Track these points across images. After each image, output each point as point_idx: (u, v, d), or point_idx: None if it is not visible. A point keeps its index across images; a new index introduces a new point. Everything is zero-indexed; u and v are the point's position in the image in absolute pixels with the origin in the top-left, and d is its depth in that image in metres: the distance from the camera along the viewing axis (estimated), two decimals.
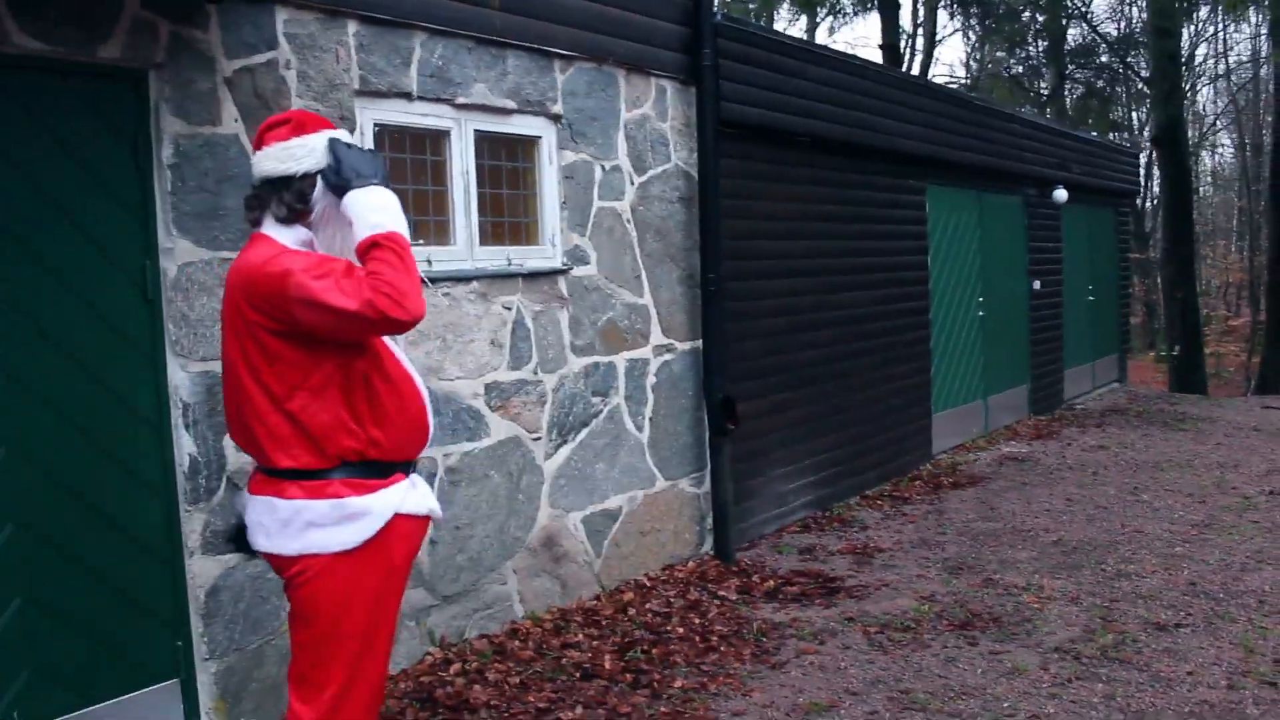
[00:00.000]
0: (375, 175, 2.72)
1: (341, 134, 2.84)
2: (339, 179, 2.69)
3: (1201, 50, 29.40)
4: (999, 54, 26.89)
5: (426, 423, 2.88)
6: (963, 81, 29.45)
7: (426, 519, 2.89)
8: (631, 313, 5.92)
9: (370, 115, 4.64)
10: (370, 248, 2.61)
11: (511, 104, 5.21)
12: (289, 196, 2.74)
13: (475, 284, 5.06)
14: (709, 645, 5.06)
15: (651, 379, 6.06)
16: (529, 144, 5.41)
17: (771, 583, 6.01)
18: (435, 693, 4.53)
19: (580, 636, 5.16)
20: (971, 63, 29.32)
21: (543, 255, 5.43)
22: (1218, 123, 33.36)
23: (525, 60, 5.28)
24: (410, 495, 2.81)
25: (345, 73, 4.49)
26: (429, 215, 5.01)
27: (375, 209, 2.67)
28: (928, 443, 9.11)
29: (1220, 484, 8.40)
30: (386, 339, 2.83)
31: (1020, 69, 26.40)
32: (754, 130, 6.69)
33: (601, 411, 5.74)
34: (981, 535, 6.96)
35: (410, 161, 4.93)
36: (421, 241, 4.93)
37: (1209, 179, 39.08)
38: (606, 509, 5.80)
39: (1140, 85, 24.05)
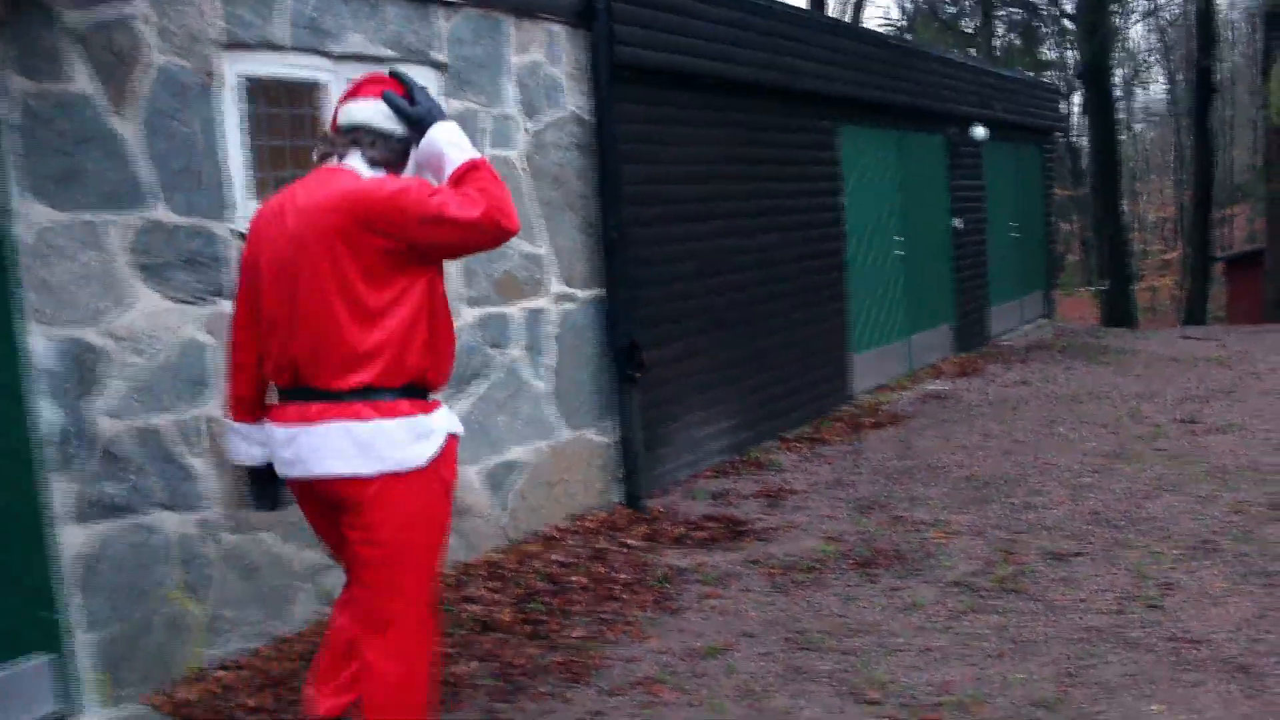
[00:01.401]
0: (444, 112, 3.02)
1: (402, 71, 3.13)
2: (423, 113, 2.97)
3: None
4: None
5: (454, 355, 3.15)
6: (898, 24, 29.38)
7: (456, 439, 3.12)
8: (529, 262, 5.84)
9: (238, 68, 4.50)
10: (469, 170, 2.88)
11: (392, 53, 5.08)
12: (384, 149, 2.98)
13: None
14: (610, 594, 5.05)
15: (553, 329, 6.00)
16: None
17: (681, 529, 6.02)
18: None
19: (482, 590, 5.13)
20: (906, 5, 29.24)
21: None
22: (1150, 59, 33.62)
23: (405, 8, 5.15)
24: (451, 416, 3.06)
25: (209, 26, 4.35)
26: (309, 170, 4.89)
27: (461, 138, 2.96)
28: (848, 383, 9.14)
29: (1134, 414, 8.51)
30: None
31: (953, 10, 26.36)
32: (655, 73, 6.60)
33: (500, 363, 5.68)
34: (895, 473, 7.01)
35: (288, 115, 4.80)
36: None
37: (1144, 115, 39.45)
38: (509, 461, 5.76)
39: (1068, 23, 24.14)
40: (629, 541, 5.81)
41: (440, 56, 5.32)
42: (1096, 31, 17.11)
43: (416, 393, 2.93)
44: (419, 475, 2.91)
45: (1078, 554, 5.26)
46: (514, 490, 5.78)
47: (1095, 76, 17.08)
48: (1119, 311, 17.46)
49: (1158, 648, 4.13)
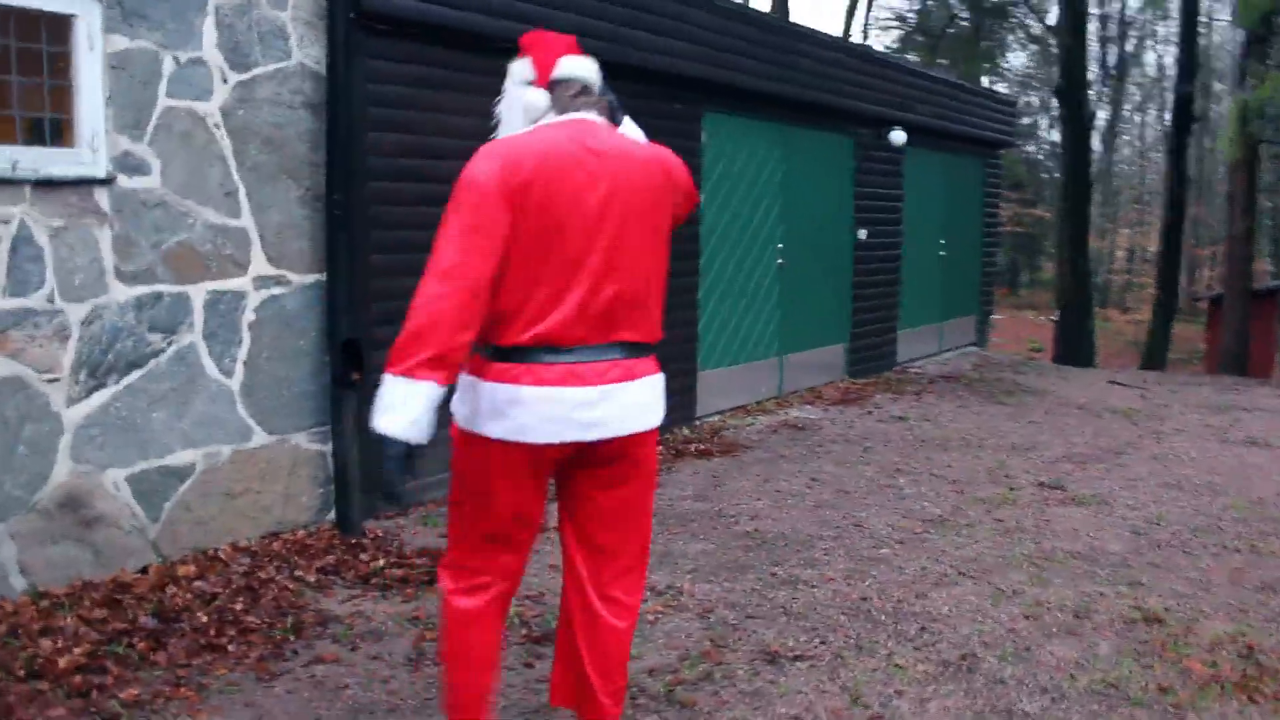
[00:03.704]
0: None
1: None
2: (617, 102, 3.05)
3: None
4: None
5: None
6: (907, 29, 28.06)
7: None
8: (219, 236, 4.95)
9: None
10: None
11: None
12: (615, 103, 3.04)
13: None
14: (215, 642, 4.19)
15: (249, 316, 5.12)
16: (59, 23, 4.39)
17: (380, 562, 5.15)
18: None
19: (73, 620, 4.27)
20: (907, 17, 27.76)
21: (74, 160, 4.44)
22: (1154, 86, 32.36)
23: None
24: None
25: None
26: None
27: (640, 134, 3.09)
28: (690, 403, 8.23)
29: (997, 469, 7.60)
30: None
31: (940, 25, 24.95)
32: (423, 28, 5.67)
33: (165, 351, 4.81)
34: (673, 519, 6.11)
35: None
36: None
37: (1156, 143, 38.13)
38: (169, 466, 4.89)
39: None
40: (302, 574, 4.95)
41: None
42: (1074, 45, 15.95)
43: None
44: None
45: (800, 657, 4.35)
46: (174, 500, 4.92)
47: (1071, 94, 15.93)
48: (1075, 345, 16.34)
49: None
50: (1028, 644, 4.54)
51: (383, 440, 2.65)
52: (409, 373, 2.60)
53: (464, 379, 2.85)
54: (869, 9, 26.68)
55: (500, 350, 2.76)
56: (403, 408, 2.61)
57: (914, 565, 5.49)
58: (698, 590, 5.01)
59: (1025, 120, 34.99)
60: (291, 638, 4.29)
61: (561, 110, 2.91)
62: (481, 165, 2.72)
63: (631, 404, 2.85)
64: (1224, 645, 4.54)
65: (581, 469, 2.97)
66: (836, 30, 24.40)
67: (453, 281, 2.62)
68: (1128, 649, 4.52)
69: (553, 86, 2.94)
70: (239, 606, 4.53)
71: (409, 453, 2.66)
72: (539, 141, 2.78)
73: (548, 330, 2.73)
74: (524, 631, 4.46)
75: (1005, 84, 31.87)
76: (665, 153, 2.97)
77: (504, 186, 2.67)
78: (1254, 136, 14.16)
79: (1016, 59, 30.26)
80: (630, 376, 2.84)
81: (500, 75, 6.17)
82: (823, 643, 4.49)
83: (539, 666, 4.14)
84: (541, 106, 2.92)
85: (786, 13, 20.42)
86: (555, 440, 2.79)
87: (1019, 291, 36.20)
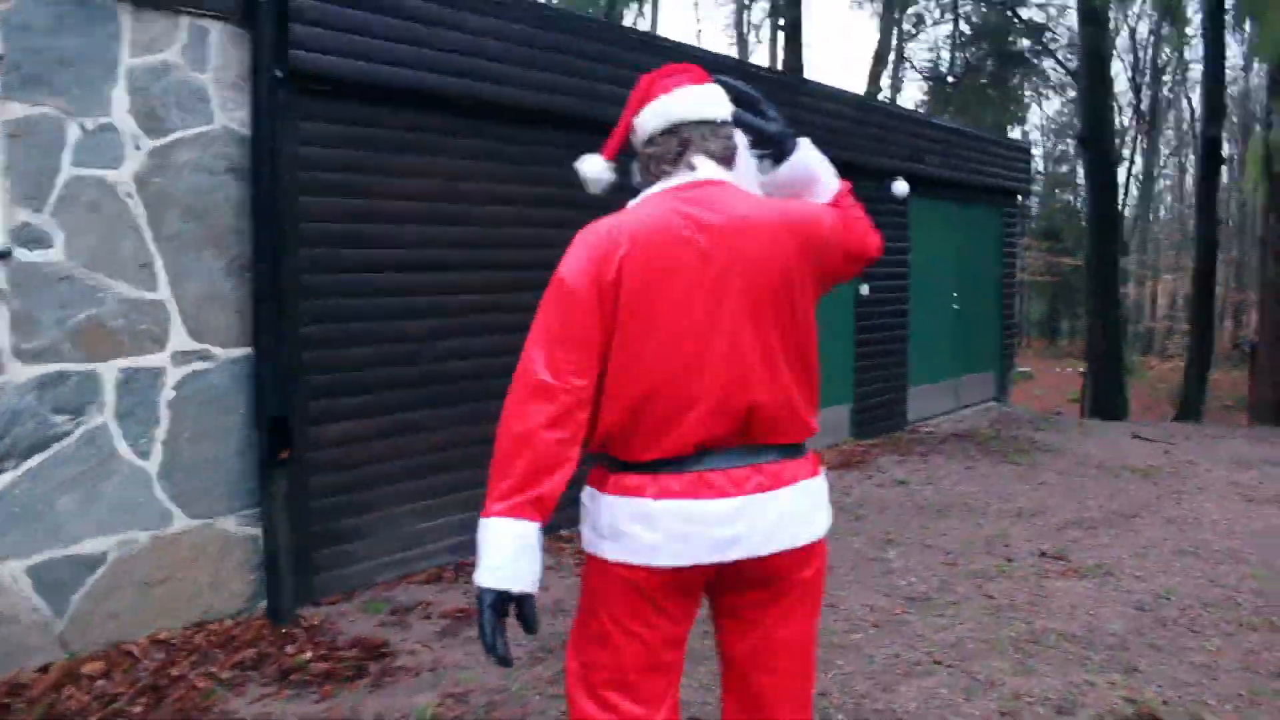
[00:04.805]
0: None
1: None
2: (784, 131, 2.56)
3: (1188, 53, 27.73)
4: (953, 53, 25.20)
5: None
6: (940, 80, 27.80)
7: None
8: (133, 310, 4.71)
9: None
10: (845, 195, 2.57)
11: None
12: (718, 142, 2.50)
13: None
14: None
15: (168, 393, 4.85)
16: None
17: (307, 654, 4.83)
18: None
19: None
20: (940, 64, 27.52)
21: None
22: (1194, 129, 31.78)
23: None
24: None
25: None
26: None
27: (825, 161, 2.59)
28: None
29: (997, 538, 7.14)
30: None
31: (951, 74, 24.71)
32: (366, 88, 5.43)
33: (72, 433, 4.54)
34: None
35: None
36: None
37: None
38: (78, 555, 4.60)
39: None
40: (216, 670, 4.63)
41: None
42: (1097, 91, 15.52)
43: None
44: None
45: None
46: (83, 591, 4.63)
47: (1096, 141, 15.46)
48: (1108, 399, 15.74)
49: None
50: None
51: (480, 591, 2.24)
52: (493, 510, 2.20)
53: (585, 492, 2.46)
54: (897, 64, 26.46)
55: (620, 462, 2.36)
56: (495, 552, 2.19)
57: (886, 652, 5.08)
58: None
59: (1064, 168, 34.50)
60: None
61: (657, 176, 2.47)
62: (571, 258, 2.29)
63: (781, 514, 2.37)
64: None
65: (731, 594, 2.49)
66: (861, 88, 24.19)
67: (539, 400, 2.20)
68: None
69: (652, 142, 2.47)
70: (138, 710, 4.22)
71: (515, 601, 2.23)
72: (637, 222, 2.31)
73: (670, 449, 2.31)
74: None
75: (1038, 132, 31.49)
76: (807, 210, 2.46)
77: (595, 284, 2.24)
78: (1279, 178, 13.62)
79: (1050, 106, 29.87)
80: (777, 483, 2.37)
81: (459, 135, 5.97)
82: None
83: None
84: (603, 180, 2.55)
85: (800, 69, 20.14)
86: (685, 563, 2.32)
87: (1059, 342, 35.46)
